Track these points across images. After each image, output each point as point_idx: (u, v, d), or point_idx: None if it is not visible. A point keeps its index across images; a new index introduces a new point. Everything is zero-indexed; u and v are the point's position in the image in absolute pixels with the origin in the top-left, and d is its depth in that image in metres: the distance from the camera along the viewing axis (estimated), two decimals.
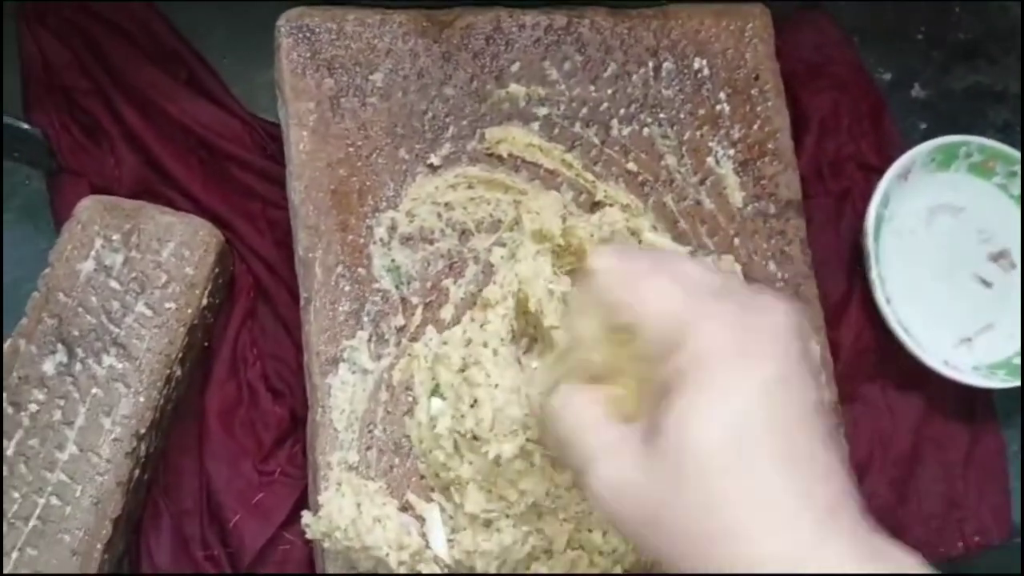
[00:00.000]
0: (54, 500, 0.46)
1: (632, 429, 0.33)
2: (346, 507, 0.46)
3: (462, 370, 0.47)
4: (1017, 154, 0.61)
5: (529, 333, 0.51)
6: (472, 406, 0.45)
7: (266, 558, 0.52)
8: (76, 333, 0.49)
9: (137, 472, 0.49)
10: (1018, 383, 0.57)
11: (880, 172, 0.59)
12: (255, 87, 0.58)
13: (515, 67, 0.54)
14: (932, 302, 0.60)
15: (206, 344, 0.54)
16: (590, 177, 0.54)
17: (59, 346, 0.48)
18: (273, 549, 0.52)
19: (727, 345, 0.31)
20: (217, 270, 0.52)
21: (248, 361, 0.54)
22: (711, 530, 0.30)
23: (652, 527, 0.31)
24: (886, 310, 0.57)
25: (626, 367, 0.35)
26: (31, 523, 0.46)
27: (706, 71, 0.56)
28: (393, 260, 0.51)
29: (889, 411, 0.59)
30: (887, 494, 0.58)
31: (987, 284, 0.61)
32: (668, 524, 0.31)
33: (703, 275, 0.35)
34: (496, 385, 0.45)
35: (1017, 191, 0.62)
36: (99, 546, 0.46)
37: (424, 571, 0.46)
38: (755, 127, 0.56)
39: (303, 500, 0.52)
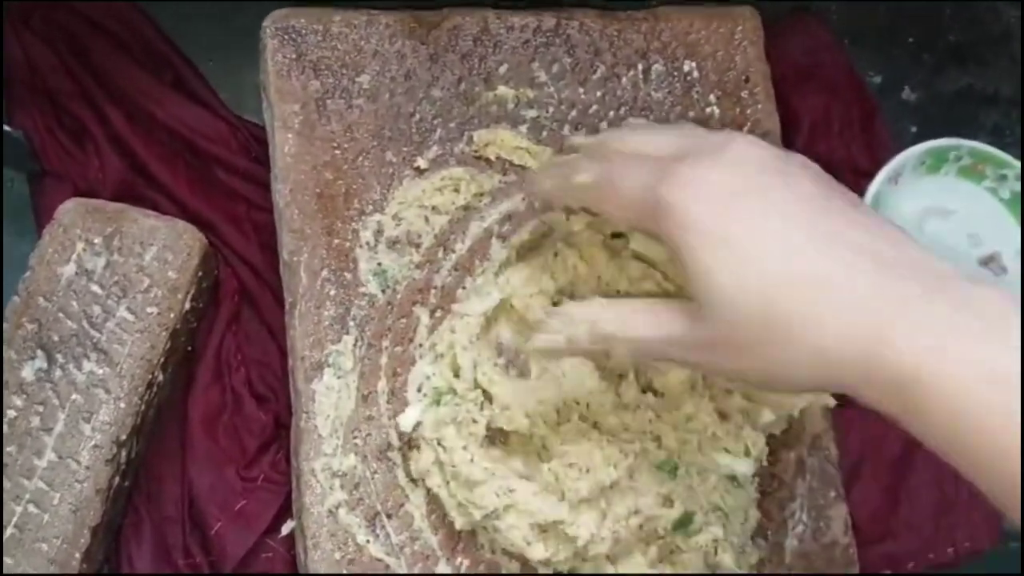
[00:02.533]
0: (32, 508, 0.46)
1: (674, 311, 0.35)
2: None
3: None
4: (1007, 157, 0.60)
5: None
6: None
7: (249, 566, 0.51)
8: (56, 338, 0.48)
9: (117, 479, 0.48)
10: None
11: (871, 175, 0.59)
12: (241, 89, 0.57)
13: (503, 69, 0.54)
14: None
15: (189, 349, 0.53)
16: None
17: (39, 352, 0.48)
18: (256, 557, 0.51)
19: (703, 198, 0.33)
20: (200, 274, 0.51)
21: (232, 366, 0.53)
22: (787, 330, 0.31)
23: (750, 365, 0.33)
24: None
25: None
26: (8, 531, 0.46)
27: (696, 73, 0.56)
28: (379, 264, 0.51)
29: (880, 416, 0.58)
30: (878, 500, 0.57)
31: None
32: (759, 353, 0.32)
33: (660, 144, 0.37)
34: None
35: (1007, 195, 0.61)
36: (77, 555, 0.46)
37: None
38: (745, 130, 0.55)
39: (286, 507, 0.51)
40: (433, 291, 0.51)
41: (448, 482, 0.47)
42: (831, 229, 0.32)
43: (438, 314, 0.51)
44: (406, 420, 0.48)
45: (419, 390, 0.49)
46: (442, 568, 0.48)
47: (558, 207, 0.47)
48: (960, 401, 0.28)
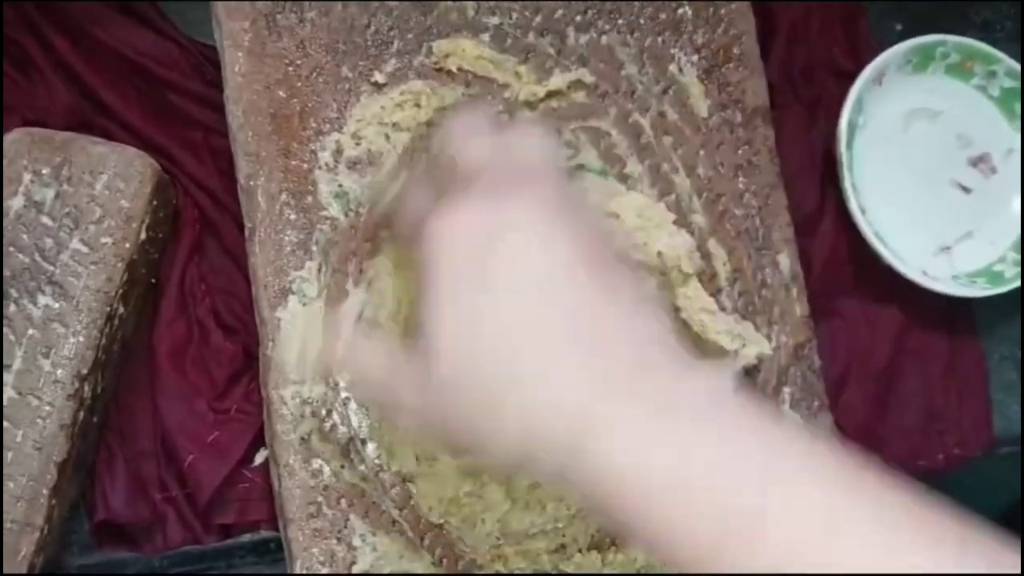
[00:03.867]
0: None
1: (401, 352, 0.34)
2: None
3: None
4: (996, 52, 0.58)
5: None
6: None
7: (225, 497, 0.50)
8: (8, 273, 0.46)
9: (83, 415, 0.47)
10: (998, 291, 0.55)
11: (853, 77, 0.56)
12: (190, 8, 0.55)
13: None
14: (909, 211, 0.58)
15: (153, 281, 0.52)
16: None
17: None
18: (231, 487, 0.50)
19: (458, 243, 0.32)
20: (156, 202, 0.49)
21: (197, 297, 0.52)
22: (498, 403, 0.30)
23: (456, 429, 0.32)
24: (861, 220, 0.54)
25: None
26: None
27: None
28: (340, 185, 0.49)
29: (867, 324, 0.57)
30: (866, 409, 0.56)
31: (966, 190, 0.59)
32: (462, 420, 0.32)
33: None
34: None
35: (997, 92, 0.59)
36: (45, 491, 0.45)
37: None
38: (719, 31, 0.53)
39: (261, 437, 0.50)
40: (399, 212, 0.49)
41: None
42: (560, 311, 0.31)
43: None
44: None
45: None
46: None
47: None
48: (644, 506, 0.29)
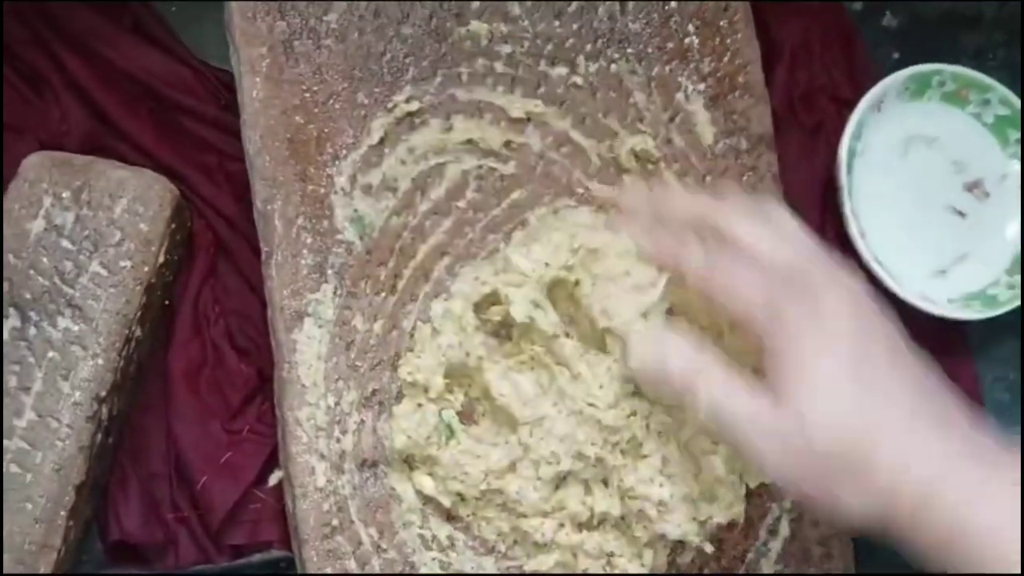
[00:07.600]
0: (14, 468, 0.45)
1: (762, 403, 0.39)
2: None
3: None
4: (990, 81, 0.59)
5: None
6: None
7: (237, 518, 0.51)
8: (28, 296, 0.47)
9: (100, 436, 0.47)
10: (993, 314, 0.57)
11: (853, 104, 0.58)
12: (204, 33, 0.56)
13: (475, 3, 0.52)
14: (906, 235, 0.59)
15: (167, 303, 0.52)
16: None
17: (11, 310, 0.47)
18: (244, 508, 0.51)
19: (810, 332, 0.39)
20: (173, 226, 0.50)
21: (211, 319, 0.53)
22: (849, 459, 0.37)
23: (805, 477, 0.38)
24: (860, 244, 0.56)
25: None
26: None
27: (674, 3, 0.54)
28: (356, 210, 0.50)
29: None
30: None
31: (962, 215, 0.60)
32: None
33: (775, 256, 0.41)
34: None
35: (991, 119, 0.61)
36: (63, 513, 0.45)
37: None
38: (725, 60, 0.54)
39: (274, 458, 0.51)
40: (412, 237, 0.50)
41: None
42: (901, 388, 0.39)
43: (418, 260, 0.50)
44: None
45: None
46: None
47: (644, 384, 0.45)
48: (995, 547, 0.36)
